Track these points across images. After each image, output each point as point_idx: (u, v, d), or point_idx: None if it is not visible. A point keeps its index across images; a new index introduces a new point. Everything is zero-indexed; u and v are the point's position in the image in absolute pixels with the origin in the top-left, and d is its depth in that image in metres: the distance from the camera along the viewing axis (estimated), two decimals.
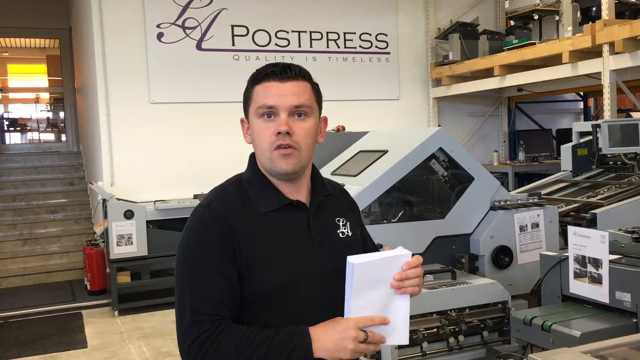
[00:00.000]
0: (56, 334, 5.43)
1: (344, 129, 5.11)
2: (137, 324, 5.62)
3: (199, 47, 6.77)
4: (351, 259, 1.46)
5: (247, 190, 1.59)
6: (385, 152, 3.68)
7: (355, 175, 3.62)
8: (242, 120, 1.65)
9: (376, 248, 1.89)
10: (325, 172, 4.01)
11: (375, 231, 3.37)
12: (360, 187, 3.36)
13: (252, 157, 1.65)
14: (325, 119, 1.66)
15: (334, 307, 1.51)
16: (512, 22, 7.31)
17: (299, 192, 1.61)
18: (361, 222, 1.80)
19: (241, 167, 6.55)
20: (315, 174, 1.67)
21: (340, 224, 1.65)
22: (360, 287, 1.46)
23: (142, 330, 5.44)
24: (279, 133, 1.51)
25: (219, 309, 1.47)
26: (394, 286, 1.48)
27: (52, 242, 8.04)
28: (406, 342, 1.52)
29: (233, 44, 6.90)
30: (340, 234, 1.64)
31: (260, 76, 1.55)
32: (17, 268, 7.56)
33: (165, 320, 5.68)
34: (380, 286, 1.49)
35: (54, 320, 5.87)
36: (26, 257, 7.71)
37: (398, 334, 1.51)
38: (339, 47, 7.38)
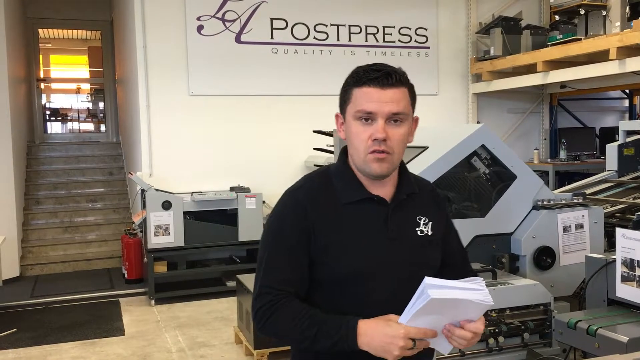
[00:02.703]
0: (94, 321, 5.54)
1: None
2: (173, 314, 5.69)
3: (238, 40, 6.79)
4: (429, 283, 1.42)
5: (333, 181, 1.66)
6: (425, 148, 3.63)
7: None
8: (337, 116, 1.72)
9: (463, 252, 1.83)
10: None
11: None
12: None
13: (344, 150, 1.72)
14: (417, 119, 1.68)
15: (401, 301, 1.53)
16: (556, 17, 7.12)
17: (383, 188, 1.65)
18: (448, 224, 1.79)
19: (278, 159, 6.60)
20: (402, 171, 1.71)
21: (421, 222, 1.68)
22: (426, 311, 1.43)
23: (178, 319, 5.51)
24: (375, 139, 1.56)
25: (285, 285, 1.59)
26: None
27: (91, 231, 8.20)
28: (446, 353, 1.55)
29: (272, 37, 6.90)
30: (419, 232, 1.67)
31: (363, 80, 1.59)
32: (57, 255, 7.73)
33: (200, 311, 5.73)
34: (447, 314, 1.47)
35: (92, 307, 5.99)
36: (66, 244, 7.89)
37: (443, 344, 1.52)
38: (377, 41, 7.31)
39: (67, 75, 15.11)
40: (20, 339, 5.02)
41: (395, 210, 1.65)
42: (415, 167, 3.42)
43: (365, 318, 1.52)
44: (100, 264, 7.64)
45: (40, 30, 11.33)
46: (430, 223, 1.69)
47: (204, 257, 6.51)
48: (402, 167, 1.71)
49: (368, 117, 1.57)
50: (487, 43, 7.50)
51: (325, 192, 1.64)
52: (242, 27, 6.79)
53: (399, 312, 1.50)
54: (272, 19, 6.90)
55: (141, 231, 6.45)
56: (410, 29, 7.44)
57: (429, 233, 1.68)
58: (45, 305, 6.06)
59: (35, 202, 8.40)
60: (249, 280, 4.69)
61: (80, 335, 5.14)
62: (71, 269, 7.53)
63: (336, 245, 1.59)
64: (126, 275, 6.76)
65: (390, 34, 7.36)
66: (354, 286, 1.60)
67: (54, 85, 14.89)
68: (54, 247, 7.81)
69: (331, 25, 7.10)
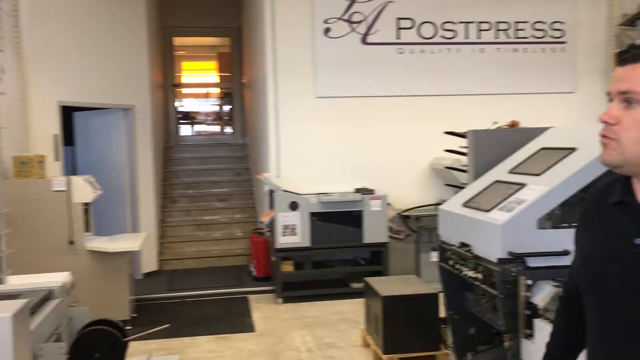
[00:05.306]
0: (226, 316, 5.76)
1: (518, 124, 4.81)
2: (299, 313, 5.78)
3: (364, 41, 6.77)
4: None
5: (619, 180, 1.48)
6: (573, 149, 3.38)
7: (538, 175, 3.36)
8: None
9: None
10: (502, 170, 3.78)
11: (558, 236, 3.11)
12: (546, 188, 3.11)
13: None
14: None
15: (632, 326, 1.35)
16: None
17: None
18: None
19: (405, 161, 6.45)
20: None
21: None
22: None
23: (305, 319, 5.59)
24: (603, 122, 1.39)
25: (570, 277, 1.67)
26: None
27: (220, 229, 8.57)
28: None
29: (398, 37, 6.81)
30: None
31: None
32: (192, 251, 8.16)
33: (327, 311, 5.78)
34: None
35: (224, 303, 6.24)
36: (199, 241, 8.30)
37: None
38: (509, 37, 6.99)
39: (198, 81, 15.93)
40: (160, 331, 5.31)
41: None
42: (563, 170, 3.20)
43: (593, 340, 1.43)
44: (229, 260, 7.97)
45: (175, 39, 12.03)
46: None
47: (329, 257, 6.56)
48: None
49: (610, 99, 1.37)
50: (632, 35, 6.91)
51: (603, 191, 1.48)
52: (369, 28, 6.77)
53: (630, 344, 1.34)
54: (398, 19, 6.81)
55: (269, 231, 6.62)
56: (544, 23, 7.03)
57: None
58: (182, 299, 6.40)
59: (171, 201, 8.92)
60: (377, 283, 4.65)
61: (214, 329, 5.36)
62: (203, 265, 7.91)
63: (579, 246, 1.51)
64: (254, 273, 6.97)
65: (523, 30, 7.00)
66: (586, 293, 1.49)
67: (185, 90, 15.76)
68: (188, 244, 8.25)
69: (460, 22, 6.89)
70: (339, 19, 6.73)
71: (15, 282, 3.61)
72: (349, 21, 6.76)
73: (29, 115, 5.99)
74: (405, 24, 6.83)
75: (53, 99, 6.26)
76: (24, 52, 5.89)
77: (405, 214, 6.51)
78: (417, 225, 6.46)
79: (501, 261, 2.91)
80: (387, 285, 4.56)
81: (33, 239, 5.03)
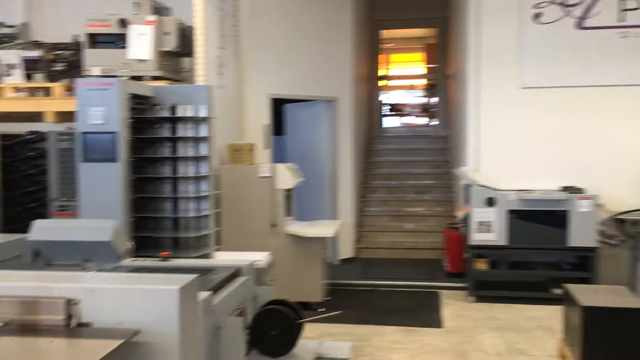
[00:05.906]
0: (415, 309, 5.73)
1: None
2: (491, 314, 5.52)
3: (579, 25, 6.17)
4: None
5: None
6: None
7: None
8: None
9: None
10: None
11: None
12: None
13: None
14: None
15: None
16: None
17: None
18: None
19: (622, 158, 5.80)
20: None
21: None
22: None
23: (497, 321, 5.32)
24: None
25: None
26: None
27: (417, 221, 8.55)
28: None
29: (621, 20, 6.08)
30: None
31: None
32: (387, 241, 8.27)
33: (521, 315, 5.43)
34: None
35: (414, 295, 6.22)
36: (394, 232, 8.38)
37: None
38: None
39: (405, 73, 16.02)
40: (349, 316, 5.47)
41: None
42: None
43: None
44: (423, 253, 7.91)
45: (383, 31, 12.22)
46: None
47: (527, 259, 6.16)
48: None
49: None
50: None
51: None
52: (586, 11, 6.15)
53: None
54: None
55: (464, 226, 6.42)
56: None
57: None
58: (374, 287, 6.53)
59: (370, 191, 9.13)
60: (578, 290, 4.23)
61: (401, 320, 5.36)
62: (396, 256, 7.97)
63: None
64: (447, 268, 6.83)
65: None
66: None
67: (391, 82, 15.97)
68: (383, 234, 8.38)
69: None
70: (552, 2, 6.22)
71: (220, 257, 4.01)
72: (564, 4, 6.20)
73: (244, 106, 6.57)
74: (630, 4, 6.07)
75: (265, 92, 6.78)
76: (241, 48, 6.46)
77: (621, 217, 5.83)
78: (635, 231, 5.74)
79: None
80: (589, 295, 4.13)
81: (239, 220, 5.52)
